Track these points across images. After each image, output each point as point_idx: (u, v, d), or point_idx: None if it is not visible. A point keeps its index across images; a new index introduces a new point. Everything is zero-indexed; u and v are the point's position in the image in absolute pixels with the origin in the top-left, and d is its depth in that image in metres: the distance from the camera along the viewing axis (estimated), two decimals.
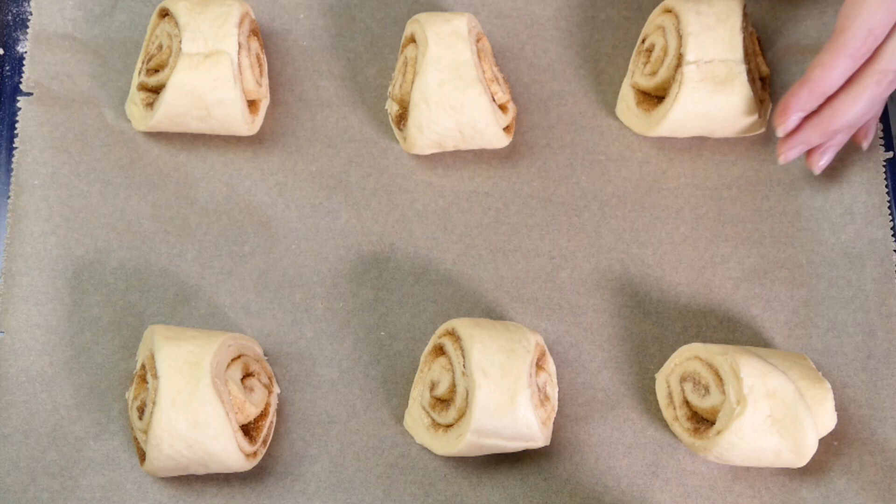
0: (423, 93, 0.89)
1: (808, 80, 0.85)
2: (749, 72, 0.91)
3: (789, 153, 0.89)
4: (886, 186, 0.95)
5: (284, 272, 0.92)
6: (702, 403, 0.85)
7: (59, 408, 0.88)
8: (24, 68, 0.95)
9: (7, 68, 0.96)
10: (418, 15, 0.93)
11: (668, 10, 0.94)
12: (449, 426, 0.85)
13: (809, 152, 0.91)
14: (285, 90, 0.97)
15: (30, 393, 0.88)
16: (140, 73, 0.92)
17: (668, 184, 0.96)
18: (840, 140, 0.90)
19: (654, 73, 0.93)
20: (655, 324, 0.93)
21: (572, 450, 0.89)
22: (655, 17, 0.95)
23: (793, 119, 0.87)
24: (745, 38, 0.91)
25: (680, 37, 0.91)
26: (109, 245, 0.92)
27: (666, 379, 0.89)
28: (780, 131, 0.88)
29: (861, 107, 0.85)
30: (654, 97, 0.95)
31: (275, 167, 0.95)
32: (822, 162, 0.91)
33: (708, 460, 0.88)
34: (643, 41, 0.96)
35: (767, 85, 0.97)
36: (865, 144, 0.93)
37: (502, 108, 0.93)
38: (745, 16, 0.93)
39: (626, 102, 0.96)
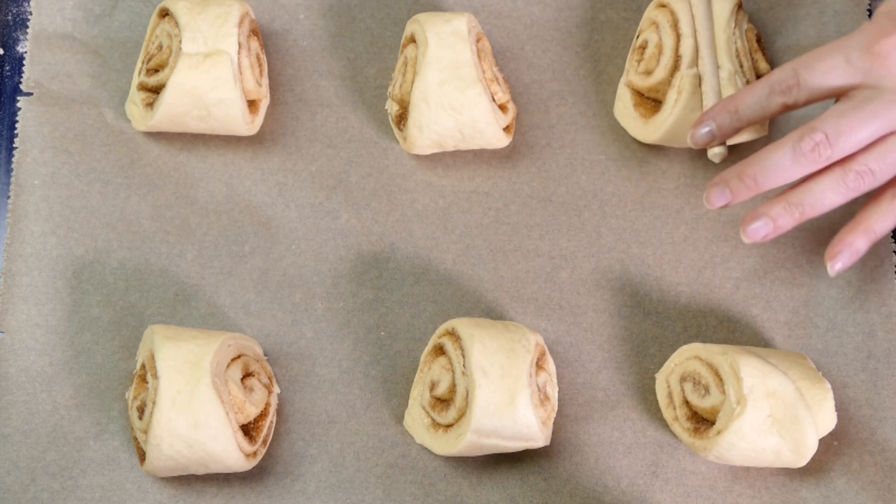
0: (423, 93, 0.89)
1: (729, 97, 0.85)
2: (744, 71, 0.91)
3: (711, 191, 0.85)
4: None
5: (284, 272, 0.92)
6: (702, 403, 0.85)
7: (59, 408, 0.88)
8: (23, 68, 0.95)
9: (7, 68, 0.96)
10: (418, 15, 0.93)
11: (663, 5, 0.93)
12: (449, 426, 0.85)
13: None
14: (285, 90, 0.97)
15: (30, 393, 0.88)
16: (140, 73, 0.92)
17: (668, 184, 0.96)
18: (780, 220, 0.84)
19: (648, 73, 0.92)
20: (655, 324, 0.93)
21: (572, 450, 0.89)
22: (650, 12, 0.95)
23: (702, 130, 0.86)
24: (738, 37, 0.91)
25: (678, 35, 0.91)
26: (109, 245, 0.92)
27: (666, 379, 0.89)
28: (691, 140, 0.87)
29: (790, 172, 0.81)
30: (649, 99, 0.94)
31: (275, 167, 0.95)
32: (749, 229, 0.84)
33: (708, 460, 0.88)
34: (638, 36, 0.96)
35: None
36: (831, 269, 0.85)
37: (502, 108, 0.93)
38: (741, 10, 0.92)
39: (623, 102, 0.96)
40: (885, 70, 0.80)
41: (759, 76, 0.95)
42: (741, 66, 0.91)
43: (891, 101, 0.80)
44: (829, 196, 0.82)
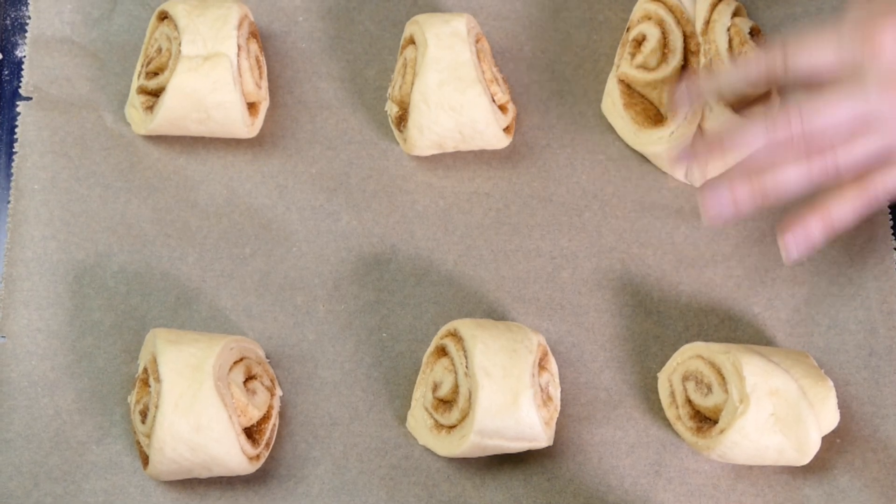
0: (423, 94, 0.89)
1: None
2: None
3: (675, 152, 0.88)
4: None
5: (286, 274, 0.92)
6: (704, 402, 0.86)
7: (61, 412, 0.88)
8: (22, 72, 0.95)
9: (6, 73, 0.95)
10: (417, 16, 0.93)
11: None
12: (452, 427, 0.85)
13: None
14: (285, 92, 0.97)
15: (31, 398, 0.88)
16: (139, 76, 0.92)
17: (668, 183, 0.96)
18: (741, 201, 0.82)
19: (646, 68, 0.92)
20: (657, 323, 0.93)
21: (575, 450, 0.89)
22: (644, 4, 0.94)
23: (681, 90, 0.88)
24: (717, 33, 0.91)
25: (683, 31, 0.91)
26: (110, 249, 0.92)
27: (668, 378, 0.89)
28: (667, 99, 0.89)
29: (750, 125, 0.81)
30: (642, 97, 0.94)
31: (275, 169, 0.95)
32: (709, 196, 0.83)
33: (711, 459, 0.88)
34: (629, 30, 0.95)
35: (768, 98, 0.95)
36: (787, 257, 0.84)
37: (502, 108, 0.93)
38: (721, 3, 0.92)
39: (612, 99, 0.95)
40: (873, 54, 0.79)
41: None
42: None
43: (871, 86, 0.79)
44: (792, 181, 0.81)
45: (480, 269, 0.93)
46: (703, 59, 0.91)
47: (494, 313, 0.92)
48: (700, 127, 0.91)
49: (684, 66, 0.91)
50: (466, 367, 0.84)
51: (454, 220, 0.94)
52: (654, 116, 0.93)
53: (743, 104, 0.91)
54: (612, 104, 0.95)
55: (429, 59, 0.89)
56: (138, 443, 0.85)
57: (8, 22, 0.97)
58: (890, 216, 0.94)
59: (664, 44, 0.92)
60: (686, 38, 0.92)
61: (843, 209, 0.82)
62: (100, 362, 0.89)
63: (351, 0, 0.99)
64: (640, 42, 0.93)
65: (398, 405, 0.90)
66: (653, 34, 0.92)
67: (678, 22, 0.92)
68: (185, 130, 0.92)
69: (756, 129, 0.81)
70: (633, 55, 0.93)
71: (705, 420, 0.86)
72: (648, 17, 0.93)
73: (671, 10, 0.92)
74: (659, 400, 0.90)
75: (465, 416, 0.84)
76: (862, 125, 0.79)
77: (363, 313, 0.92)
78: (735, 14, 0.92)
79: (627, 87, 0.94)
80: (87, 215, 0.92)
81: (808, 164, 0.80)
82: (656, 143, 0.92)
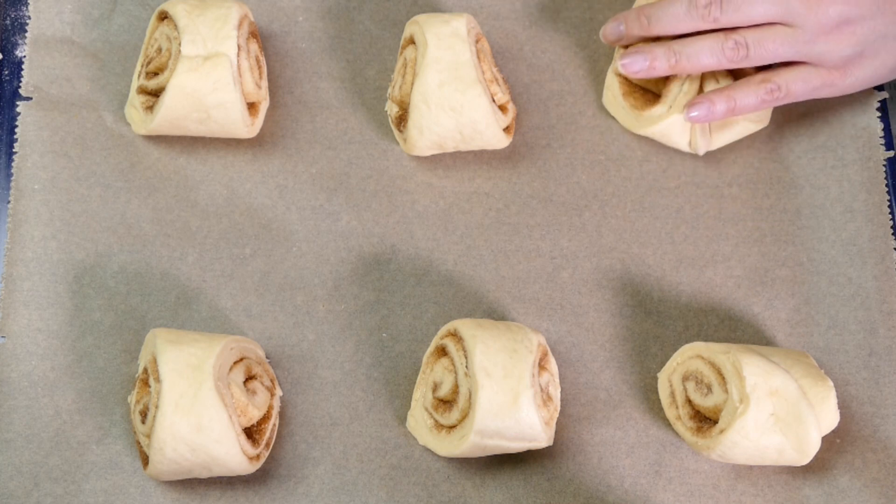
0: (423, 94, 0.89)
1: (647, 4, 0.91)
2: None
3: (607, 25, 0.93)
4: (886, 185, 0.95)
5: (286, 274, 0.92)
6: (704, 402, 0.86)
7: (61, 412, 0.88)
8: (22, 73, 0.95)
9: (6, 73, 0.95)
10: (417, 16, 0.93)
11: None
12: (452, 427, 0.85)
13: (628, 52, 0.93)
14: (285, 92, 0.97)
15: (32, 398, 0.88)
16: (139, 76, 0.92)
17: (668, 183, 0.96)
18: (658, 60, 0.90)
19: None
20: (657, 323, 0.93)
21: (575, 450, 0.89)
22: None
23: (612, 24, 0.93)
24: None
25: None
26: (110, 249, 0.92)
27: (668, 378, 0.89)
28: (601, 33, 0.94)
29: (681, 23, 0.88)
30: (639, 87, 0.95)
31: (275, 169, 0.95)
32: (626, 60, 0.91)
33: (711, 459, 0.88)
34: None
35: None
36: (686, 115, 0.91)
37: (502, 108, 0.93)
38: None
39: (612, 92, 0.96)
40: None
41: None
42: None
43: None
44: (705, 55, 0.88)
45: (480, 269, 0.93)
46: None
47: (494, 313, 0.92)
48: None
49: None
50: (466, 367, 0.84)
51: (454, 221, 0.94)
52: (652, 100, 0.94)
53: (740, 72, 0.93)
54: (613, 97, 0.96)
55: (429, 60, 0.89)
56: (138, 443, 0.85)
57: (8, 22, 0.97)
58: (890, 216, 0.94)
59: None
60: None
61: (747, 98, 0.89)
62: (100, 362, 0.89)
63: (351, 0, 0.99)
64: None
65: (398, 405, 0.90)
66: None
67: None
68: (185, 130, 0.92)
69: (680, 5, 0.88)
70: (625, 47, 0.94)
71: (705, 420, 0.86)
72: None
73: None
74: (659, 400, 0.90)
75: (465, 416, 0.84)
76: (776, 25, 0.88)
77: (363, 313, 0.92)
78: None
79: (625, 78, 0.95)
80: (88, 215, 0.92)
81: (722, 42, 0.88)
82: (656, 120, 0.93)
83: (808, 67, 0.90)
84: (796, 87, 0.90)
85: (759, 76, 0.90)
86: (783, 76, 0.89)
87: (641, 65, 0.90)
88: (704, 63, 0.89)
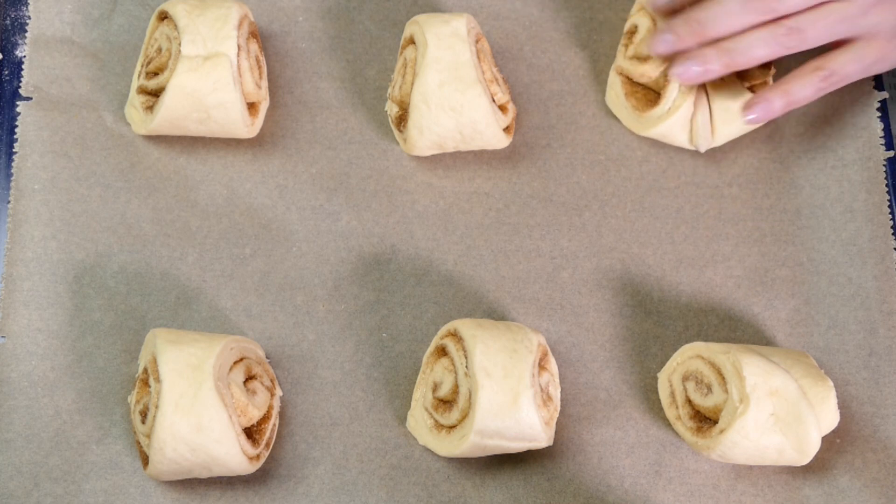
0: (423, 94, 0.89)
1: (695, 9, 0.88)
2: None
3: (656, 39, 0.88)
4: (886, 185, 0.95)
5: (286, 274, 0.92)
6: (704, 402, 0.86)
7: (61, 412, 0.88)
8: (22, 73, 0.95)
9: (6, 73, 0.95)
10: (417, 16, 0.93)
11: None
12: (452, 427, 0.85)
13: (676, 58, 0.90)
14: (285, 92, 0.97)
15: (32, 398, 0.88)
16: (139, 76, 0.92)
17: (668, 183, 0.96)
18: (711, 63, 0.87)
19: (640, 58, 0.92)
20: (657, 323, 0.93)
21: (575, 450, 0.89)
22: None
23: (662, 36, 0.88)
24: None
25: None
26: (110, 249, 0.92)
27: (668, 378, 0.89)
28: (649, 48, 0.90)
29: (736, 19, 0.85)
30: (641, 86, 0.95)
31: (275, 169, 0.95)
32: (678, 70, 0.88)
33: (711, 459, 0.88)
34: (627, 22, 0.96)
35: (770, 68, 0.95)
36: (744, 118, 0.89)
37: (502, 108, 0.93)
38: None
39: (615, 91, 0.96)
40: None
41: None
42: None
43: None
44: (759, 47, 0.85)
45: (480, 269, 0.93)
46: None
47: (494, 313, 0.92)
48: (707, 98, 0.92)
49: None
50: (466, 367, 0.84)
51: (454, 221, 0.94)
52: (654, 100, 0.93)
53: (745, 74, 0.92)
54: (616, 96, 0.96)
55: (429, 60, 0.89)
56: (138, 443, 0.85)
57: (8, 22, 0.97)
58: (890, 216, 0.94)
59: (654, 32, 0.92)
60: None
61: (803, 90, 0.88)
62: (100, 362, 0.89)
63: (351, 0, 0.99)
64: (632, 33, 0.94)
65: (398, 405, 0.90)
66: (643, 24, 0.93)
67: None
68: (184, 130, 0.92)
69: (734, 2, 0.85)
70: (626, 46, 0.94)
71: (705, 420, 0.86)
72: (641, 8, 0.94)
73: None
74: (659, 400, 0.90)
75: (465, 416, 0.84)
76: (827, 3, 0.85)
77: (363, 313, 0.92)
78: None
79: (628, 78, 0.95)
80: (88, 215, 0.92)
81: (775, 30, 0.85)
82: (657, 121, 0.93)
83: (858, 45, 0.88)
84: (850, 67, 0.88)
85: (811, 65, 0.88)
86: (835, 60, 0.88)
87: (696, 71, 0.87)
88: (759, 55, 0.86)
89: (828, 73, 0.87)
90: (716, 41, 0.87)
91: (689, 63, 0.87)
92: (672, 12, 0.90)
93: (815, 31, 0.86)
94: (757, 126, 0.94)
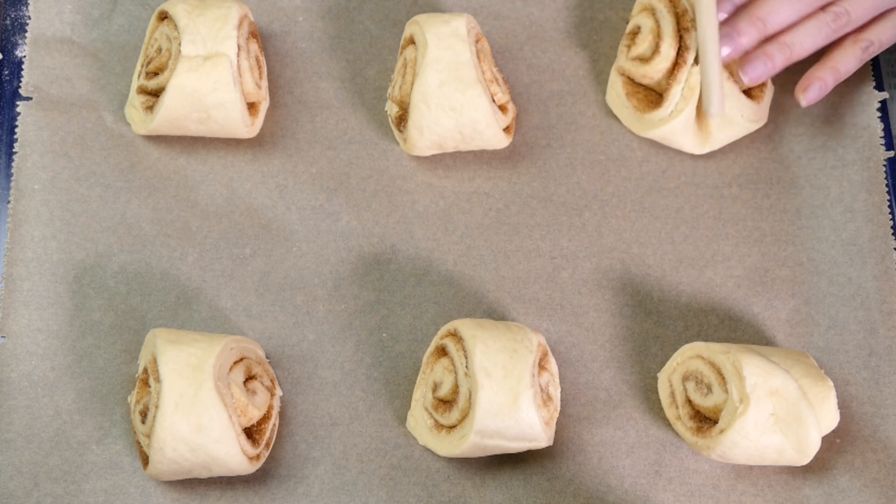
0: (423, 94, 0.89)
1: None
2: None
3: (722, 40, 0.90)
4: (886, 185, 0.95)
5: (286, 274, 0.92)
6: (704, 402, 0.86)
7: (61, 412, 0.88)
8: (22, 73, 0.95)
9: (6, 73, 0.95)
10: (417, 16, 0.93)
11: None
12: (452, 427, 0.85)
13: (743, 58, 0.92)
14: (285, 92, 0.97)
15: (32, 398, 0.88)
16: (139, 76, 0.92)
17: (668, 183, 0.96)
18: (775, 59, 0.91)
19: (642, 59, 0.92)
20: (657, 323, 0.93)
21: (575, 450, 0.89)
22: None
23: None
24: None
25: (677, 20, 0.90)
26: (110, 249, 0.92)
27: (668, 378, 0.89)
28: (804, 101, 0.93)
29: (791, 10, 0.90)
30: (642, 87, 0.94)
31: (275, 169, 0.95)
32: (748, 71, 0.91)
33: (711, 459, 0.88)
34: (628, 22, 0.95)
35: None
36: (804, 100, 0.92)
37: (502, 108, 0.93)
38: None
39: (616, 91, 0.96)
40: None
41: None
42: None
43: None
44: (813, 36, 0.91)
45: (480, 269, 0.93)
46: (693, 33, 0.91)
47: (494, 313, 0.92)
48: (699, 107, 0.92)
49: (679, 50, 0.91)
50: (466, 367, 0.84)
51: (454, 221, 0.94)
52: (655, 101, 0.93)
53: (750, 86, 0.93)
54: (616, 96, 0.95)
55: (429, 60, 0.89)
56: (138, 443, 0.85)
57: (8, 22, 0.97)
58: (890, 216, 0.94)
59: (657, 33, 0.92)
60: (678, 17, 0.91)
61: (848, 62, 0.92)
62: (100, 362, 0.89)
63: (351, 0, 0.99)
64: (635, 34, 0.94)
65: (398, 405, 0.90)
66: (646, 24, 0.92)
67: (670, 7, 0.91)
68: (185, 130, 0.92)
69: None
70: (628, 47, 0.94)
71: (705, 420, 0.86)
72: (644, 9, 0.94)
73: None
74: (659, 400, 0.90)
75: (465, 416, 0.84)
76: None
77: (363, 313, 0.92)
78: None
79: (629, 78, 0.94)
80: (88, 215, 0.92)
81: (822, 17, 0.91)
82: (658, 124, 0.93)
83: (894, 14, 0.93)
84: (886, 35, 0.93)
85: (850, 38, 0.93)
86: (872, 31, 0.93)
87: (764, 68, 0.91)
88: (814, 45, 0.91)
89: (867, 43, 0.92)
90: (773, 37, 0.91)
91: (756, 63, 0.91)
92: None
93: (861, 10, 0.91)
94: (760, 126, 0.94)
